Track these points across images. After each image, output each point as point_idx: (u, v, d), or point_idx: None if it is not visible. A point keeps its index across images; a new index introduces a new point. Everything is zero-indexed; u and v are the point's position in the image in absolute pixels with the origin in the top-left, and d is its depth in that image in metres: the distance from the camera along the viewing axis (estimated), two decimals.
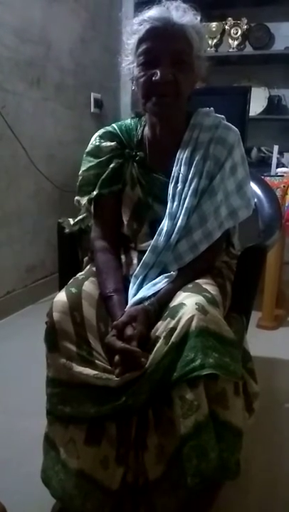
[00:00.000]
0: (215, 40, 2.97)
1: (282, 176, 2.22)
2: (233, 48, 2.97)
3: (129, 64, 1.07)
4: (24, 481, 1.15)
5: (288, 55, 2.85)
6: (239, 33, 2.94)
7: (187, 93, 1.06)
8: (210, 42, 2.95)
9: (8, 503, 1.03)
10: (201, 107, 1.15)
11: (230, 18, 2.94)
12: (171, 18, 1.00)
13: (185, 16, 1.01)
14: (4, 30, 2.06)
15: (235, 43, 2.95)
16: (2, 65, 2.08)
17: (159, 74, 0.99)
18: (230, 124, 1.13)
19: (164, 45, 1.00)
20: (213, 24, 2.94)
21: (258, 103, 2.90)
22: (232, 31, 2.95)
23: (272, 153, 2.40)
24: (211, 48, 2.96)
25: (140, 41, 1.02)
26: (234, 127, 1.12)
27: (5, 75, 2.10)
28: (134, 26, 1.03)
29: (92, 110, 2.85)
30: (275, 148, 2.35)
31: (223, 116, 1.14)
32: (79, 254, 1.29)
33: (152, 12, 1.01)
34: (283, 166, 2.50)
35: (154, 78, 1.00)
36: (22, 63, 2.20)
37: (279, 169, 2.34)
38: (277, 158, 2.41)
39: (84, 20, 2.67)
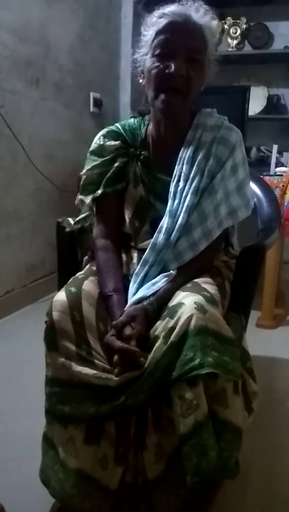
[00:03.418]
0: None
1: (281, 175, 2.22)
2: (232, 47, 2.97)
3: (142, 55, 1.08)
4: (23, 481, 1.15)
5: (287, 55, 2.86)
6: (238, 32, 2.94)
7: (196, 92, 1.06)
8: None
9: (7, 503, 1.03)
10: (200, 105, 1.15)
11: (229, 18, 2.94)
12: (191, 16, 1.02)
13: (205, 17, 1.04)
14: (3, 29, 2.06)
15: (235, 42, 2.96)
16: (1, 64, 2.08)
17: (173, 67, 1.00)
18: (232, 125, 1.13)
19: (182, 39, 1.01)
20: None
21: (257, 102, 2.90)
22: (231, 30, 2.95)
23: (271, 152, 2.40)
24: None
25: (158, 33, 1.02)
26: (236, 128, 1.13)
27: (4, 74, 2.10)
28: (154, 19, 1.05)
29: (91, 110, 2.84)
30: (275, 147, 2.35)
31: (225, 117, 1.15)
32: (78, 254, 1.29)
33: (173, 8, 1.03)
34: (282, 165, 2.50)
35: (167, 70, 1.01)
36: (21, 63, 2.20)
37: (278, 169, 2.34)
38: (277, 157, 2.41)
39: (83, 19, 2.66)
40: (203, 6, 1.05)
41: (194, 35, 1.02)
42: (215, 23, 1.06)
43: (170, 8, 1.03)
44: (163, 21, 1.02)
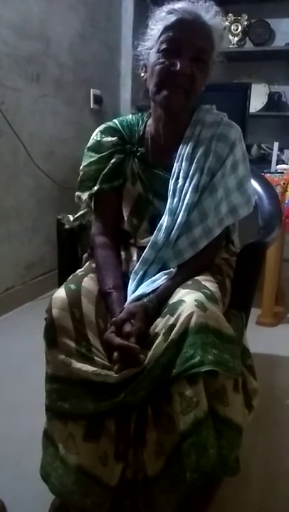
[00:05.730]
0: None
1: (282, 172, 2.21)
2: (234, 44, 2.96)
3: (146, 49, 1.06)
4: (23, 477, 1.15)
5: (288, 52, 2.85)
6: (239, 29, 2.93)
7: (199, 92, 1.05)
8: None
9: (8, 499, 1.04)
10: (201, 103, 1.14)
11: (230, 14, 2.93)
12: (201, 16, 1.01)
13: (215, 19, 1.03)
14: (3, 25, 2.05)
15: (236, 39, 2.95)
16: (1, 61, 2.07)
17: (179, 65, 0.99)
18: (231, 121, 1.13)
19: (190, 38, 0.99)
20: None
21: (258, 99, 2.90)
22: (232, 27, 2.94)
23: (272, 150, 2.40)
24: None
25: (166, 29, 1.01)
26: (236, 124, 1.12)
27: (4, 71, 2.09)
28: (163, 13, 1.03)
29: (91, 106, 2.84)
30: (275, 145, 2.34)
31: (225, 113, 1.14)
32: (78, 251, 1.29)
33: (184, 4, 1.02)
34: (283, 162, 2.50)
35: (172, 68, 1.00)
36: (21, 59, 2.19)
37: (279, 166, 2.34)
38: (278, 155, 2.40)
39: (83, 16, 2.65)
40: (214, 7, 1.03)
41: (202, 36, 1.00)
42: (223, 25, 1.05)
43: (180, 5, 1.01)
44: (172, 17, 1.00)
